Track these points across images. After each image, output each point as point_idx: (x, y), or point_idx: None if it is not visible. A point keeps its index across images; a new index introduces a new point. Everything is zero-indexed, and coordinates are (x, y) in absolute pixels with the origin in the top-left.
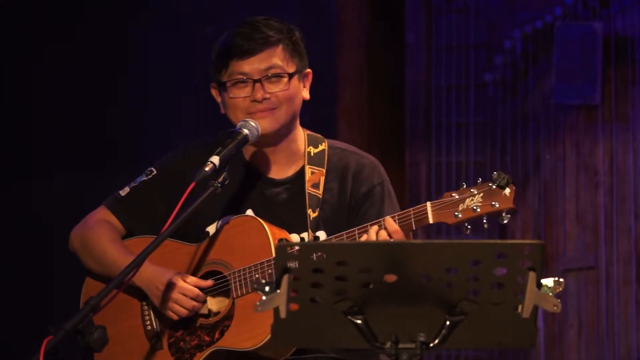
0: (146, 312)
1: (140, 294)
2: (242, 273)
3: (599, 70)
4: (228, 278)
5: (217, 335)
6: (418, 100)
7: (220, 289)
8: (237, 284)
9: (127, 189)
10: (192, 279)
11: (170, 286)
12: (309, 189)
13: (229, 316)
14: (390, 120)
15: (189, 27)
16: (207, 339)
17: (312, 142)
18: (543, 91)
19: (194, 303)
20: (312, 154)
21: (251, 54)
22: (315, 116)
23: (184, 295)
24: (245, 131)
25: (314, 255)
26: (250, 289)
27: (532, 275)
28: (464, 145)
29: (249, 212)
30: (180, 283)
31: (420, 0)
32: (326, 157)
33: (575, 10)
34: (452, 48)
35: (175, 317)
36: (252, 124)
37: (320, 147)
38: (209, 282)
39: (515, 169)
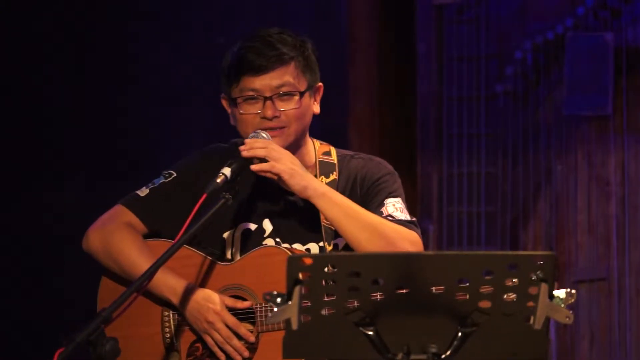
0: (166, 322)
1: (160, 301)
2: (269, 307)
3: (610, 80)
4: (254, 310)
5: None
6: (429, 111)
7: (245, 315)
8: (264, 318)
9: (146, 190)
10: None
11: (223, 321)
12: None
13: (252, 348)
14: (401, 131)
15: (201, 37)
16: None
17: (323, 152)
18: (554, 102)
19: (244, 349)
20: (323, 162)
21: (263, 71)
22: (326, 127)
23: (235, 335)
24: None
25: (327, 267)
26: (277, 327)
27: (543, 286)
28: (475, 156)
29: (266, 222)
30: (232, 320)
31: (431, 11)
32: (337, 167)
33: (587, 21)
34: (462, 59)
35: (220, 355)
36: (264, 135)
37: (332, 157)
38: (246, 304)
39: (527, 180)
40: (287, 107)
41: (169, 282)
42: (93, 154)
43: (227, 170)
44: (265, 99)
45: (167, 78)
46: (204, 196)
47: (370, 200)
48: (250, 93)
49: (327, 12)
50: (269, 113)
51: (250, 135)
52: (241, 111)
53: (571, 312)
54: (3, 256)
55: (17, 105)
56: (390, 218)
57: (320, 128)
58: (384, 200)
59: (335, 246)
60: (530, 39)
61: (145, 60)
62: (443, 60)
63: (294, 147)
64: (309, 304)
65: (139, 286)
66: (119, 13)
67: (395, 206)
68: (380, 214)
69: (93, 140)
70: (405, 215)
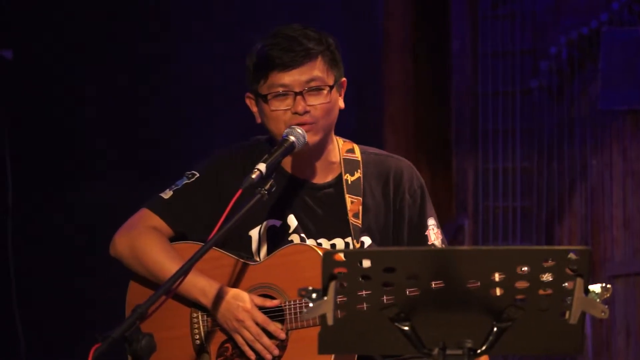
0: (195, 324)
1: (188, 303)
2: (298, 305)
3: None
4: (283, 307)
5: None
6: (464, 107)
7: (274, 314)
8: (293, 316)
9: (169, 192)
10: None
11: (253, 319)
12: (348, 194)
13: (281, 346)
14: (436, 126)
15: (233, 34)
16: None
17: (347, 149)
18: (589, 97)
19: (274, 347)
20: (347, 159)
21: (292, 66)
22: (362, 123)
23: (265, 333)
24: (292, 138)
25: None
26: (306, 324)
27: (579, 281)
28: (511, 151)
29: (291, 218)
30: (261, 318)
31: (466, 6)
32: (361, 164)
33: (621, 15)
34: (497, 54)
35: (250, 354)
36: (299, 131)
37: (356, 154)
38: (275, 302)
39: (562, 175)
40: (316, 101)
41: (198, 284)
42: (120, 154)
43: (262, 166)
44: (296, 94)
45: (195, 76)
46: (239, 192)
47: (411, 214)
48: (280, 89)
49: (362, 10)
50: (300, 108)
51: (286, 131)
52: (272, 108)
53: (607, 306)
54: (31, 256)
55: (42, 105)
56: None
57: (356, 125)
58: (426, 222)
59: (362, 244)
60: (565, 34)
61: (173, 57)
62: (478, 56)
63: (322, 143)
64: (345, 299)
65: (174, 283)
66: (147, 9)
67: (434, 231)
68: (425, 238)
69: (121, 140)
70: (440, 239)
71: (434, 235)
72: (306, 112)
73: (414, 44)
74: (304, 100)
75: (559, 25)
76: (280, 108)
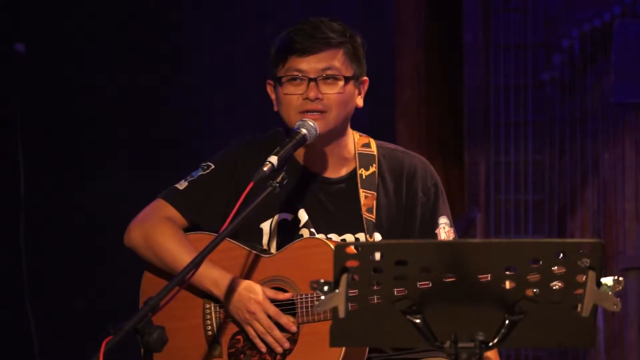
0: (208, 314)
1: (202, 293)
2: (310, 299)
3: None
4: (295, 301)
5: (278, 358)
6: (476, 100)
7: (285, 307)
8: (304, 309)
9: (184, 183)
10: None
11: (264, 311)
12: (362, 189)
13: (292, 339)
14: (448, 120)
15: (248, 27)
16: (268, 358)
17: (363, 144)
18: (602, 90)
19: (285, 340)
20: (362, 154)
21: (311, 52)
22: (373, 116)
23: (275, 325)
24: (304, 131)
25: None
26: (317, 318)
27: (591, 274)
28: (523, 145)
29: (302, 212)
30: (273, 310)
31: (478, 0)
32: (376, 159)
33: (634, 8)
34: (509, 48)
35: (261, 346)
36: (311, 123)
37: (372, 148)
38: (287, 295)
39: (574, 168)
40: (330, 91)
41: (211, 274)
42: (136, 144)
43: (274, 159)
44: (310, 80)
45: (211, 68)
46: (250, 184)
47: (423, 212)
48: (296, 73)
49: (374, 3)
50: (312, 94)
51: (297, 124)
52: (284, 91)
53: (619, 299)
54: (43, 250)
55: (54, 99)
56: None
57: (368, 118)
58: (438, 220)
59: (374, 239)
60: (577, 27)
61: (189, 49)
62: (490, 49)
63: (334, 136)
64: (356, 292)
65: (186, 275)
66: (168, 4)
67: (445, 230)
68: (434, 236)
69: (136, 130)
70: (452, 238)
71: (445, 234)
72: (317, 99)
73: (426, 37)
74: (317, 88)
75: (572, 18)
76: (293, 92)
